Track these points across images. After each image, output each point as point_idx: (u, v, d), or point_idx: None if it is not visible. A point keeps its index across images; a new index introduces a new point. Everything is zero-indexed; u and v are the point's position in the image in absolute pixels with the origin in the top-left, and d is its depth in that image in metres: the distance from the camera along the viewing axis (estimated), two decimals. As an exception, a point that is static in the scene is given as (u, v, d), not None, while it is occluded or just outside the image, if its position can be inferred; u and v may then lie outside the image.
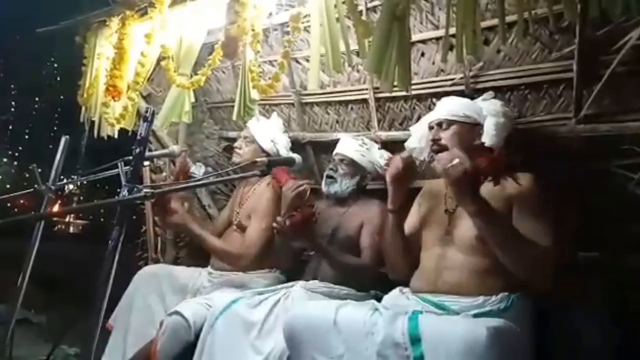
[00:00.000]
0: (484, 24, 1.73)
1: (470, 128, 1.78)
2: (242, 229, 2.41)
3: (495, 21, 1.79)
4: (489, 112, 1.77)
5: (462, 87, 2.03)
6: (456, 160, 1.46)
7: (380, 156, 2.28)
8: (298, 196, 2.04)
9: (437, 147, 1.80)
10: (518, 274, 1.53)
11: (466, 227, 1.66)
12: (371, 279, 2.14)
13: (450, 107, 1.82)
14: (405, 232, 1.86)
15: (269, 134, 2.52)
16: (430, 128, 1.87)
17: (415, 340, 1.37)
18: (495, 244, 1.53)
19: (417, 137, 2.01)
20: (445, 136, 1.78)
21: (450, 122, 1.79)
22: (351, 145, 2.30)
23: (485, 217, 1.50)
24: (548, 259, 1.53)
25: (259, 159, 1.55)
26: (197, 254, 2.92)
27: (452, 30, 1.55)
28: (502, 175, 1.48)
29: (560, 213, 1.87)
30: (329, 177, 2.31)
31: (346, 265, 2.13)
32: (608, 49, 1.65)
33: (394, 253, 1.86)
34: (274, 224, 2.05)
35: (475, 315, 1.49)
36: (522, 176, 1.67)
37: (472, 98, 1.91)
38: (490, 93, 1.91)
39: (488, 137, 1.74)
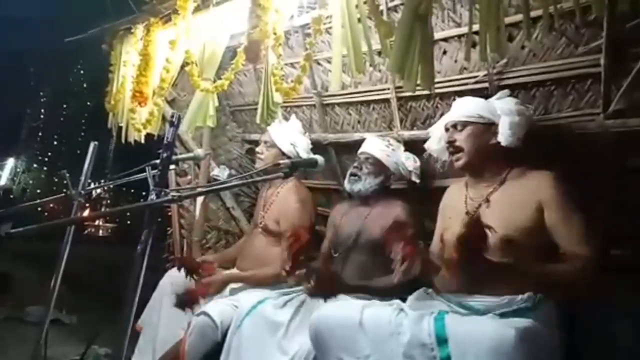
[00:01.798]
0: (507, 20, 1.70)
1: (485, 128, 1.77)
2: (268, 232, 2.43)
3: (518, 17, 1.76)
4: (503, 111, 1.76)
5: (485, 85, 2.01)
6: None
7: (406, 157, 2.27)
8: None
9: (453, 148, 1.80)
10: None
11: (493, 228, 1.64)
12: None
13: (464, 108, 1.81)
14: (434, 248, 1.85)
15: (288, 137, 2.53)
16: (446, 130, 1.86)
17: (442, 340, 1.37)
18: (533, 286, 1.55)
19: (436, 139, 2.00)
20: (461, 137, 1.78)
21: (465, 123, 1.79)
22: (377, 145, 2.29)
23: (506, 274, 1.53)
24: (589, 269, 1.52)
25: (282, 162, 1.56)
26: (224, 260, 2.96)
27: (475, 27, 1.54)
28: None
29: (590, 211, 1.84)
30: (352, 175, 2.30)
31: (381, 289, 2.10)
32: (637, 42, 1.61)
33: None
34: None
35: (501, 315, 1.48)
36: (544, 174, 1.65)
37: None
38: (506, 91, 1.88)
39: (503, 136, 1.73)
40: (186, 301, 2.21)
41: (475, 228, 1.57)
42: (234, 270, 2.48)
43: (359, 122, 2.60)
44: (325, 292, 2.00)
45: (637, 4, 1.24)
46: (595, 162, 1.81)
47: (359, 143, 2.39)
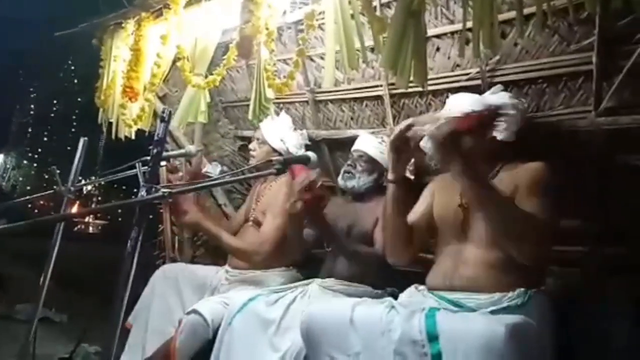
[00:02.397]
0: (500, 17, 1.70)
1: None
2: (258, 224, 2.43)
3: (511, 14, 1.76)
4: (497, 106, 1.75)
5: (478, 82, 2.01)
6: (439, 122, 1.46)
7: (399, 155, 2.27)
8: (308, 185, 2.03)
9: None
10: (502, 240, 1.55)
11: (482, 222, 1.64)
12: (384, 272, 2.11)
13: (458, 104, 1.80)
14: (410, 218, 1.85)
15: (278, 133, 2.53)
16: None
17: (433, 337, 1.36)
18: (480, 204, 1.55)
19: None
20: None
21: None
22: (370, 142, 2.29)
23: (472, 175, 1.51)
24: (535, 230, 1.52)
25: (274, 158, 1.55)
26: (214, 252, 2.95)
27: (468, 24, 1.53)
28: (487, 130, 1.49)
29: (581, 208, 1.85)
30: (346, 172, 2.30)
31: (356, 252, 2.13)
32: (629, 40, 1.61)
33: (391, 230, 1.84)
34: (286, 206, 2.05)
35: (492, 312, 1.48)
36: (532, 164, 1.65)
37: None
38: (499, 86, 1.88)
39: (498, 131, 1.73)
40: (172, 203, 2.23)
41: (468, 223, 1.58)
42: (228, 267, 2.47)
43: (351, 118, 2.59)
44: (308, 213, 2.01)
45: (629, 1, 1.24)
46: (586, 159, 1.82)
47: (351, 140, 2.39)
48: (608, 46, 1.65)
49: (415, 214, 1.88)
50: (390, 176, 1.81)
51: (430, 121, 1.68)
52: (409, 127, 1.70)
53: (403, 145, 1.74)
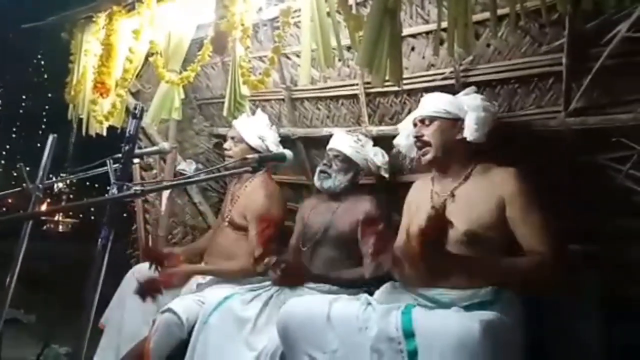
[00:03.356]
0: (473, 18, 1.72)
1: (452, 123, 1.80)
2: (235, 226, 2.40)
3: (484, 15, 1.79)
4: (469, 107, 1.79)
5: (452, 82, 2.03)
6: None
7: (374, 153, 2.28)
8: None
9: (420, 143, 1.82)
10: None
11: (453, 221, 1.66)
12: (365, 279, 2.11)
13: (432, 104, 1.84)
14: (398, 240, 1.86)
15: (256, 131, 2.50)
16: (414, 125, 1.88)
17: (409, 334, 1.38)
18: (493, 279, 1.57)
19: (405, 135, 2.02)
20: (428, 132, 1.81)
21: (433, 118, 1.81)
22: (346, 141, 2.28)
23: (467, 267, 1.55)
24: (547, 266, 1.54)
25: (249, 156, 1.54)
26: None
27: (443, 24, 1.55)
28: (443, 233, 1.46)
29: (550, 207, 1.89)
30: (322, 172, 2.30)
31: (349, 280, 2.10)
32: (597, 42, 1.65)
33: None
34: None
35: (466, 307, 1.50)
36: (508, 171, 1.68)
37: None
38: (472, 88, 1.92)
39: (469, 131, 1.76)
40: (147, 289, 2.15)
41: (437, 221, 1.60)
42: (201, 265, 2.44)
43: (328, 117, 2.59)
44: (292, 282, 2.00)
45: (599, 3, 1.27)
46: (556, 159, 1.86)
47: (328, 138, 2.39)
48: (577, 47, 1.69)
49: (401, 239, 1.87)
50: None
51: None
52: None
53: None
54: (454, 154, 1.79)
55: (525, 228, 1.60)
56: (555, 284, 1.58)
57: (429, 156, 1.80)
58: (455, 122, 1.79)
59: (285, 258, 2.07)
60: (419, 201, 1.86)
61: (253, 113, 2.65)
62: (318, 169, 2.34)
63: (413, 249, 1.48)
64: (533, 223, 1.60)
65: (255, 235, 2.25)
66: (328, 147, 2.33)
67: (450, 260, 1.52)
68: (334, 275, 2.11)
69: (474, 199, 1.69)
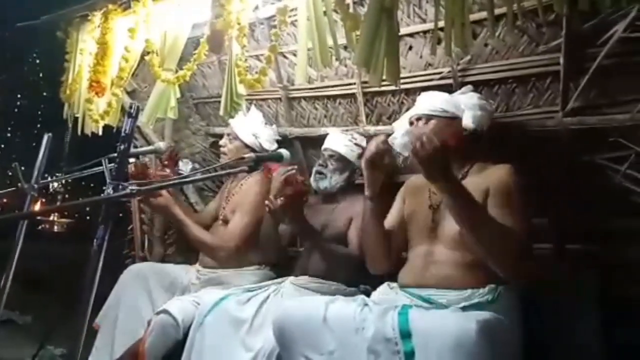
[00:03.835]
0: (471, 17, 1.72)
1: (449, 122, 1.78)
2: (228, 223, 2.39)
3: (482, 14, 1.79)
4: (466, 105, 1.78)
5: (450, 81, 2.03)
6: (424, 138, 1.44)
7: (369, 152, 2.27)
8: (287, 180, 2.02)
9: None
10: (486, 259, 1.53)
11: (451, 222, 1.66)
12: (358, 270, 2.11)
13: (428, 102, 1.83)
14: (385, 225, 1.86)
15: (250, 128, 2.50)
16: (411, 123, 1.87)
17: (406, 335, 1.37)
18: (463, 223, 1.53)
19: (400, 133, 2.01)
20: (425, 131, 1.79)
21: (429, 117, 1.80)
22: (341, 140, 2.28)
23: (456, 193, 1.50)
24: (516, 245, 1.52)
25: (246, 155, 1.53)
26: (185, 251, 2.90)
27: (441, 24, 1.54)
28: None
29: (547, 206, 1.89)
30: (318, 172, 2.29)
31: (333, 252, 2.12)
32: (595, 42, 1.66)
33: (371, 243, 1.85)
34: (266, 202, 2.02)
35: (463, 308, 1.50)
36: (501, 167, 1.68)
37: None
38: (469, 87, 1.91)
39: (467, 130, 1.75)
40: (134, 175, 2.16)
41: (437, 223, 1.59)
42: (199, 266, 2.43)
43: (325, 116, 2.59)
44: (288, 209, 1.98)
45: (596, 3, 1.27)
46: (553, 158, 1.86)
47: (325, 137, 2.38)
48: (575, 47, 1.69)
49: (389, 222, 1.90)
50: (367, 192, 1.81)
51: (401, 137, 1.68)
52: (383, 144, 1.70)
53: (379, 162, 1.74)
54: (451, 153, 1.78)
55: (500, 217, 1.56)
56: (519, 270, 1.54)
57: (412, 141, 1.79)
58: (452, 120, 1.78)
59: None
60: (417, 198, 1.85)
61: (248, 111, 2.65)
62: (314, 169, 2.33)
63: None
64: (509, 214, 1.56)
65: (239, 220, 2.27)
66: (323, 147, 2.33)
67: (449, 177, 1.49)
68: (325, 243, 2.13)
69: None
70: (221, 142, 2.57)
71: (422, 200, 1.82)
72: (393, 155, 1.58)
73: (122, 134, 1.34)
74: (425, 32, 2.02)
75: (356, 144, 2.27)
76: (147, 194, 2.17)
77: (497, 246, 1.51)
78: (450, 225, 1.67)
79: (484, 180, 1.68)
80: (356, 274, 2.13)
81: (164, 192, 2.22)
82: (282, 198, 1.97)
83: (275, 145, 2.51)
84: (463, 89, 1.91)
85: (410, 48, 2.10)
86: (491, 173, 1.69)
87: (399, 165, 2.26)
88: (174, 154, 2.46)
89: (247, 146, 2.48)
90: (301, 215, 2.07)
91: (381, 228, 1.83)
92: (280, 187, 1.99)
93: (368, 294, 1.80)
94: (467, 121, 1.75)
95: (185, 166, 2.99)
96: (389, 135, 1.81)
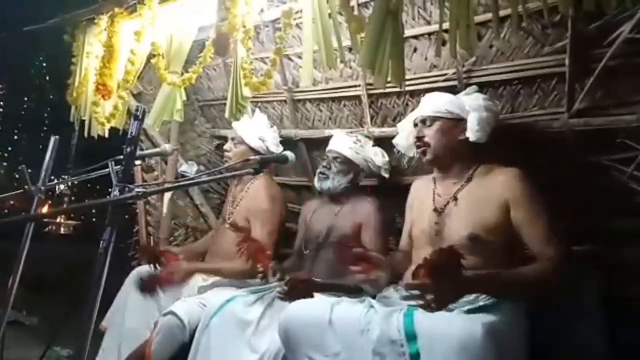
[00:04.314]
0: (476, 19, 1.72)
1: (454, 124, 1.78)
2: (237, 228, 2.39)
3: (487, 16, 1.79)
4: (471, 107, 1.77)
5: (454, 83, 2.03)
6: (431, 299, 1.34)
7: (374, 153, 2.27)
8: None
9: (421, 143, 1.81)
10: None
11: (455, 225, 1.66)
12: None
13: (433, 104, 1.82)
14: (402, 244, 1.86)
15: (256, 132, 2.50)
16: (415, 125, 1.87)
17: (411, 337, 1.37)
18: (506, 295, 1.53)
19: (404, 135, 2.01)
20: (429, 133, 1.79)
21: (434, 119, 1.79)
22: (345, 143, 2.28)
23: (483, 289, 1.50)
24: (556, 269, 1.53)
25: (251, 157, 1.54)
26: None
27: (445, 25, 1.54)
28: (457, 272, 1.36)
29: (553, 208, 1.88)
30: (321, 173, 2.29)
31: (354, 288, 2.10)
32: (600, 43, 1.65)
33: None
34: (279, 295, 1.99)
35: (468, 311, 1.49)
36: (511, 172, 1.67)
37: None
38: (474, 87, 1.91)
39: (472, 132, 1.75)
40: (148, 285, 2.16)
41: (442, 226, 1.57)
42: (202, 263, 2.43)
43: (330, 118, 2.59)
44: (299, 295, 1.97)
45: (601, 4, 1.26)
46: (559, 160, 1.85)
47: (330, 139, 2.38)
48: (580, 49, 1.69)
49: (404, 241, 1.92)
50: None
51: None
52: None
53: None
54: (455, 155, 1.78)
55: (533, 230, 1.58)
56: (558, 285, 1.56)
57: (429, 156, 1.79)
58: (457, 122, 1.78)
59: (289, 269, 2.04)
60: (421, 202, 1.85)
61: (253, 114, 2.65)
62: (318, 170, 2.33)
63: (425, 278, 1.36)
64: (540, 225, 1.58)
65: (260, 230, 2.27)
66: (327, 148, 2.33)
67: (465, 283, 1.44)
68: (338, 283, 2.09)
69: (477, 202, 1.67)
70: (225, 147, 2.56)
71: (427, 203, 1.81)
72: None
73: (128, 137, 1.34)
74: (430, 33, 2.02)
75: (361, 146, 2.27)
76: (167, 280, 2.21)
77: (538, 288, 1.53)
78: (455, 228, 1.66)
79: (494, 186, 1.67)
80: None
81: (176, 264, 2.24)
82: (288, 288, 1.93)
83: (281, 148, 2.51)
84: (468, 89, 1.90)
85: (415, 50, 2.10)
86: (501, 178, 1.68)
87: (404, 166, 2.26)
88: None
89: (253, 150, 2.46)
90: (311, 291, 2.01)
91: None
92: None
93: (373, 296, 1.80)
94: (473, 122, 1.74)
95: (190, 168, 3.01)
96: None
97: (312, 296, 1.92)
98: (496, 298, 1.50)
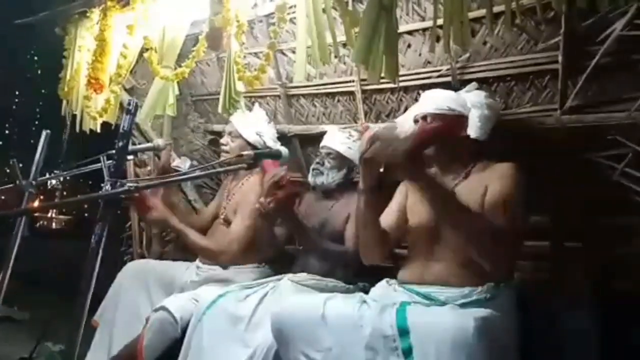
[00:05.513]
0: (470, 15, 1.72)
1: (455, 120, 1.77)
2: (229, 223, 2.39)
3: (481, 12, 1.79)
4: (472, 103, 1.76)
5: (448, 79, 2.03)
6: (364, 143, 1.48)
7: (367, 149, 2.27)
8: (276, 182, 2.01)
9: None
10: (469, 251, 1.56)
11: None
12: (356, 267, 2.11)
13: (434, 100, 1.81)
14: (383, 218, 1.84)
15: (254, 126, 2.48)
16: (415, 121, 1.86)
17: (404, 332, 1.38)
18: (435, 209, 1.57)
19: (403, 131, 2.00)
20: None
21: (435, 115, 1.78)
22: (338, 138, 2.28)
23: (422, 181, 1.53)
24: (492, 238, 1.52)
25: (245, 152, 1.53)
26: (183, 248, 2.90)
27: (439, 21, 1.54)
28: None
29: (544, 204, 1.90)
30: (315, 169, 2.29)
31: (328, 250, 2.13)
32: (593, 40, 1.65)
33: (365, 234, 1.81)
34: (256, 205, 2.03)
35: (462, 305, 1.50)
36: (502, 165, 1.68)
37: (459, 90, 1.90)
38: (474, 84, 1.90)
39: (473, 129, 1.74)
40: (137, 198, 2.14)
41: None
42: (199, 263, 2.43)
43: (324, 114, 2.59)
44: (279, 210, 2.01)
45: (594, 1, 1.27)
46: (551, 156, 1.86)
47: (323, 135, 2.38)
48: (573, 45, 1.69)
49: (388, 215, 1.87)
50: (361, 185, 1.74)
51: (390, 134, 1.61)
52: (374, 140, 1.60)
53: (371, 156, 1.70)
54: (455, 152, 1.78)
55: (493, 208, 1.58)
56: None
57: (428, 152, 1.79)
58: (458, 119, 1.76)
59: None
60: (417, 196, 1.84)
61: (249, 110, 2.63)
62: (311, 166, 2.33)
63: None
64: (503, 205, 1.57)
65: (240, 222, 2.27)
66: (321, 144, 2.33)
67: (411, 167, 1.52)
68: (319, 240, 2.14)
69: (470, 196, 1.68)
70: (222, 141, 2.54)
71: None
72: (391, 149, 1.52)
73: (121, 131, 1.33)
74: (424, 29, 2.02)
75: (354, 141, 2.27)
76: (142, 208, 2.19)
77: (476, 238, 1.53)
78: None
79: (483, 178, 1.68)
80: (354, 271, 2.13)
81: (158, 204, 2.20)
82: (272, 200, 1.97)
83: (278, 144, 2.50)
84: (469, 86, 1.89)
85: (409, 46, 2.10)
86: (492, 171, 1.69)
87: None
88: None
89: (249, 144, 2.44)
90: (293, 216, 2.08)
91: (375, 221, 1.79)
92: (270, 189, 1.99)
93: (366, 291, 1.80)
94: (474, 120, 1.73)
95: (183, 163, 2.99)
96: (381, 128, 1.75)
97: (291, 212, 2.05)
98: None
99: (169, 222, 2.25)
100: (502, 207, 1.57)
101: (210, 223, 2.56)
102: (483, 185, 1.65)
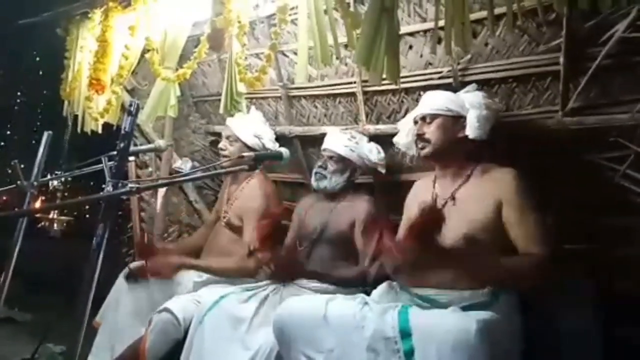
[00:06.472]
0: (471, 17, 1.72)
1: (453, 121, 1.78)
2: (232, 227, 2.39)
3: (482, 14, 1.79)
4: (471, 104, 1.77)
5: (450, 80, 2.03)
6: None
7: (369, 150, 2.27)
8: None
9: (421, 141, 1.81)
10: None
11: (453, 224, 1.66)
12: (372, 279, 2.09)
13: (433, 101, 1.82)
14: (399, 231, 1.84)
15: (252, 129, 2.48)
16: (415, 122, 1.87)
17: (406, 334, 1.38)
18: (485, 275, 1.56)
19: (405, 132, 2.01)
20: (429, 130, 1.79)
21: (434, 116, 1.79)
22: (340, 141, 2.26)
23: (459, 262, 1.54)
24: (541, 267, 1.54)
25: (245, 154, 1.53)
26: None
27: (441, 23, 1.54)
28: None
29: (546, 206, 1.89)
30: (317, 173, 2.28)
31: (345, 278, 2.10)
32: (595, 42, 1.65)
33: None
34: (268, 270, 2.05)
35: (463, 308, 1.50)
36: (506, 172, 1.67)
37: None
38: (473, 85, 1.91)
39: (471, 129, 1.75)
40: (134, 274, 2.19)
41: (431, 215, 1.59)
42: (194, 260, 2.43)
43: (325, 115, 2.58)
44: (285, 275, 1.99)
45: (596, 3, 1.27)
46: (553, 158, 1.86)
47: (325, 137, 2.38)
48: (575, 47, 1.69)
49: (402, 230, 1.88)
50: None
51: None
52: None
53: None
54: (454, 152, 1.78)
55: (520, 229, 1.59)
56: (543, 282, 1.57)
57: (428, 150, 1.79)
58: (457, 119, 1.77)
59: (279, 254, 2.06)
60: (419, 201, 1.85)
61: (247, 111, 2.63)
62: (314, 170, 2.32)
63: (407, 243, 1.47)
64: (528, 224, 1.59)
65: (252, 232, 2.24)
66: (322, 147, 2.32)
67: (443, 254, 1.51)
68: (329, 273, 2.10)
69: (473, 201, 1.68)
70: (220, 145, 2.53)
71: (426, 201, 1.81)
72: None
73: (122, 132, 1.33)
74: (425, 31, 2.02)
75: (356, 143, 2.26)
76: (158, 271, 2.23)
77: (520, 279, 1.56)
78: (453, 228, 1.66)
79: (489, 185, 1.67)
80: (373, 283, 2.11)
81: (167, 258, 2.26)
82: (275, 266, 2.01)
83: (277, 145, 2.49)
84: (468, 87, 1.90)
85: (411, 47, 2.10)
86: (496, 178, 1.68)
87: (403, 163, 2.26)
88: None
89: (248, 147, 2.43)
90: (301, 270, 2.09)
91: None
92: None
93: (368, 293, 1.80)
94: (472, 121, 1.74)
95: (184, 164, 2.99)
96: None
97: (294, 277, 1.99)
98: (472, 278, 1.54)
99: (188, 264, 2.30)
100: (528, 224, 1.60)
101: (212, 227, 2.57)
102: (490, 195, 1.65)
